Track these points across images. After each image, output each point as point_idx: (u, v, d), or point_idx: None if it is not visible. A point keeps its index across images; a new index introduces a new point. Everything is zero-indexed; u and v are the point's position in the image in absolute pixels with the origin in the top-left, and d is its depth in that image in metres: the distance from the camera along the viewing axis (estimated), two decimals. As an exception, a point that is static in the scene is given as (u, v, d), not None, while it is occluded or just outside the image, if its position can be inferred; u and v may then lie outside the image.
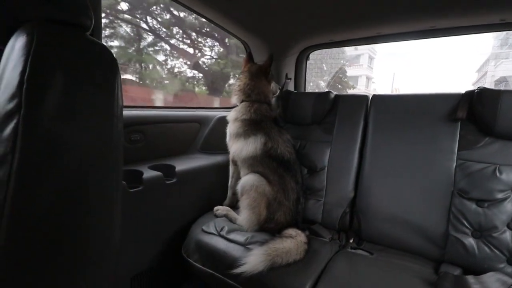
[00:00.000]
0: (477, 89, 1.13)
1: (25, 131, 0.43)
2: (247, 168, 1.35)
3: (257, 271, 0.94)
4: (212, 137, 1.64)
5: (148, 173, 1.20)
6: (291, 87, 1.95)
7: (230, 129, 1.43)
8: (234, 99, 1.49)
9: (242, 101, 1.44)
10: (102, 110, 0.55)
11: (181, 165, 1.38)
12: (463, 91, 1.19)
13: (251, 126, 1.36)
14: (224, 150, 1.60)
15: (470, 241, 1.04)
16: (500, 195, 1.01)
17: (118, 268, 1.06)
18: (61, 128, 0.47)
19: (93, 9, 0.61)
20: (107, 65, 0.56)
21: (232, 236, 1.15)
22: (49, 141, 0.46)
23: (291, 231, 1.14)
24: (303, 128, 1.53)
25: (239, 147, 1.36)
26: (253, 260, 0.95)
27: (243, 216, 1.24)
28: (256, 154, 1.32)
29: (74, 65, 0.51)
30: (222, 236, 1.16)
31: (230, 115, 1.46)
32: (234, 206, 1.38)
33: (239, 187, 1.31)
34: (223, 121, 1.61)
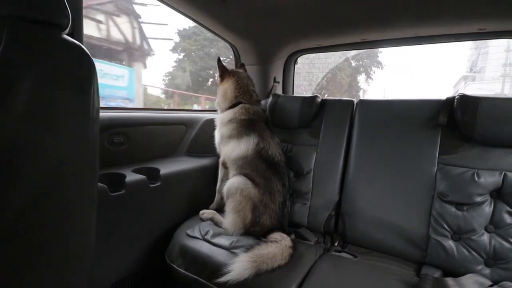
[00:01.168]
0: (457, 95, 1.16)
1: None
2: (236, 169, 1.34)
3: (242, 279, 0.93)
4: (198, 139, 1.63)
5: (131, 176, 1.18)
6: (279, 90, 1.96)
7: (222, 131, 1.41)
8: (226, 102, 1.45)
9: (238, 103, 1.43)
10: (77, 112, 0.53)
11: (166, 168, 1.36)
12: (444, 98, 1.23)
13: (245, 127, 1.36)
14: (210, 153, 1.59)
15: (449, 243, 1.06)
16: (478, 199, 1.04)
17: (98, 274, 1.04)
18: (30, 134, 0.46)
19: (72, 8, 0.59)
20: (83, 66, 0.54)
21: (216, 240, 1.14)
22: (17, 144, 0.44)
23: (276, 235, 1.14)
24: (290, 132, 1.53)
25: (231, 148, 1.35)
26: (239, 267, 0.94)
27: (228, 220, 1.23)
28: (247, 154, 1.31)
29: (47, 66, 0.49)
30: (207, 240, 1.15)
31: (223, 116, 1.43)
32: (221, 209, 1.36)
33: (224, 190, 1.30)
34: (210, 124, 1.60)
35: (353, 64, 11.52)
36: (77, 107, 0.53)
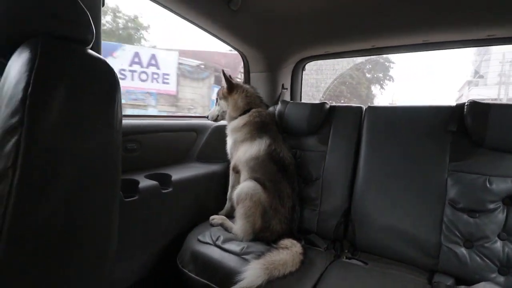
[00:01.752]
0: (467, 102, 1.16)
1: (27, 147, 0.44)
2: (247, 171, 1.36)
3: (255, 286, 0.93)
4: (209, 146, 1.66)
5: (144, 182, 1.20)
6: (287, 97, 1.98)
7: (236, 136, 1.46)
8: (238, 111, 1.50)
9: (250, 109, 1.48)
10: (102, 124, 0.56)
11: (178, 174, 1.39)
12: (453, 104, 1.23)
13: (258, 129, 1.41)
14: (220, 159, 1.62)
15: (462, 251, 1.05)
16: (490, 206, 1.03)
17: (113, 278, 1.06)
18: (62, 143, 0.48)
19: (93, 24, 0.63)
20: (108, 80, 0.57)
21: (227, 245, 1.15)
22: (50, 156, 0.47)
23: (287, 242, 1.15)
24: (299, 138, 1.55)
25: (243, 150, 1.39)
26: (251, 275, 0.95)
27: (238, 225, 1.25)
28: (259, 155, 1.34)
29: (76, 80, 0.52)
30: (218, 246, 1.16)
31: (236, 123, 1.48)
32: (231, 216, 1.38)
33: (234, 195, 1.32)
34: (220, 130, 1.63)
35: (368, 76, 13.33)
36: (102, 119, 0.55)
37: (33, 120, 0.44)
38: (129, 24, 9.12)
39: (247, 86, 1.57)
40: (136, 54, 7.39)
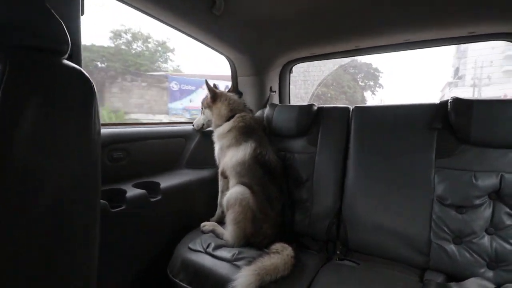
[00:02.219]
0: (450, 99, 1.18)
1: None
2: (235, 177, 1.35)
3: None
4: (198, 151, 1.64)
5: (132, 191, 1.18)
6: (275, 100, 1.98)
7: (222, 142, 1.46)
8: (223, 118, 1.51)
9: (234, 115, 1.49)
10: (79, 135, 0.54)
11: (167, 181, 1.37)
12: (437, 102, 1.25)
13: (243, 134, 1.41)
14: (210, 164, 1.60)
15: (451, 247, 1.06)
16: (477, 201, 1.04)
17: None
18: (36, 160, 0.47)
19: (72, 32, 0.61)
20: (84, 90, 0.56)
21: (218, 252, 1.14)
22: (22, 174, 0.45)
23: (278, 246, 1.14)
24: (288, 140, 1.55)
25: (230, 156, 1.39)
26: (242, 282, 0.93)
27: (229, 231, 1.24)
28: (245, 160, 1.34)
29: (49, 92, 0.50)
30: (209, 253, 1.14)
31: (221, 129, 1.48)
32: (223, 222, 1.36)
33: (224, 201, 1.31)
34: (209, 135, 1.62)
35: (361, 84, 16.40)
36: (78, 131, 0.54)
37: (3, 140, 0.43)
38: (159, 48, 12.33)
39: (230, 94, 1.59)
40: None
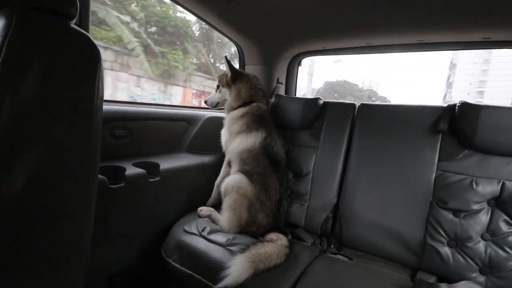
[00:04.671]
0: (458, 103, 1.17)
1: None
2: (238, 164, 1.35)
3: (241, 281, 0.92)
4: (200, 137, 1.63)
5: (131, 170, 1.18)
6: (281, 91, 1.96)
7: (232, 128, 1.43)
8: (239, 101, 1.46)
9: (251, 101, 1.45)
10: (82, 101, 0.54)
11: (166, 163, 1.37)
12: (445, 104, 1.23)
13: (256, 122, 1.39)
14: (211, 151, 1.60)
15: (445, 250, 1.06)
16: (475, 206, 1.04)
17: (93, 267, 1.04)
18: (34, 119, 0.46)
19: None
20: (89, 55, 0.55)
21: (213, 237, 1.15)
22: (23, 129, 0.45)
23: (273, 235, 1.15)
24: (291, 133, 1.54)
25: (238, 141, 1.37)
26: (237, 270, 0.93)
27: (224, 217, 1.24)
28: (253, 148, 1.33)
29: (54, 54, 0.50)
30: (203, 237, 1.15)
31: (234, 114, 1.44)
32: (219, 207, 1.37)
33: (222, 188, 1.31)
34: (212, 121, 1.61)
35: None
36: (82, 95, 0.53)
37: (5, 89, 0.42)
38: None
39: (251, 76, 1.53)
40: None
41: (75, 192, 0.56)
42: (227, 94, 1.50)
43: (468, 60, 20.58)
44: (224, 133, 1.49)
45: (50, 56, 0.49)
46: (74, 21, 0.58)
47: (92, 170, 0.60)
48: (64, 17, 0.55)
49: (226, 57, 1.49)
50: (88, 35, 0.56)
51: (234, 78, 1.48)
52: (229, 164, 1.44)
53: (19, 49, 0.45)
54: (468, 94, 20.75)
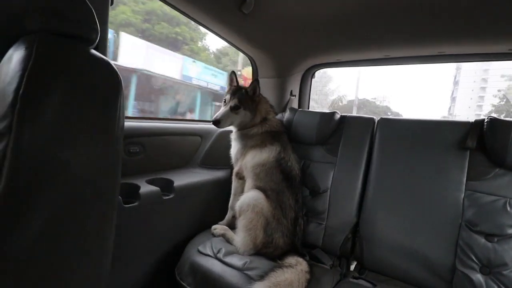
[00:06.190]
0: (487, 118, 1.10)
1: (14, 156, 0.39)
2: (252, 178, 1.31)
3: None
4: (213, 151, 1.61)
5: (145, 187, 1.16)
6: (294, 104, 1.93)
7: (246, 141, 1.39)
8: (258, 119, 1.41)
9: (266, 117, 1.43)
10: (103, 132, 0.51)
11: (180, 179, 1.34)
12: (472, 120, 1.17)
13: (271, 137, 1.37)
14: (224, 165, 1.56)
15: (478, 277, 0.99)
16: (510, 230, 0.97)
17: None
18: (57, 151, 0.44)
19: (99, 22, 0.58)
20: (110, 83, 0.53)
21: (229, 259, 1.10)
22: (41, 165, 0.42)
23: (291, 260, 1.09)
24: (307, 148, 1.49)
25: (251, 155, 1.34)
26: None
27: (239, 238, 1.19)
28: (267, 162, 1.31)
29: (74, 82, 0.47)
30: (219, 259, 1.10)
31: (253, 130, 1.39)
32: (233, 226, 1.32)
33: (237, 206, 1.27)
34: (225, 136, 1.58)
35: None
36: (102, 125, 0.51)
37: (23, 126, 0.40)
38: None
39: (263, 96, 1.49)
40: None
41: (95, 222, 0.54)
42: (247, 117, 1.38)
43: (468, 79, 25.34)
44: (234, 146, 1.45)
45: (71, 84, 0.47)
46: (94, 45, 0.56)
47: (112, 198, 0.57)
48: (85, 42, 0.53)
49: (257, 80, 1.39)
50: (109, 60, 0.54)
51: (258, 100, 1.42)
52: (238, 175, 1.41)
53: (39, 80, 0.42)
54: (469, 107, 24.81)
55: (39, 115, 0.41)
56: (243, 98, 1.36)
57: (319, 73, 1.95)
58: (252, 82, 1.39)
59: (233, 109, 1.35)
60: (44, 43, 0.45)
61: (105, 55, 0.77)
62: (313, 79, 1.96)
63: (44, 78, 0.43)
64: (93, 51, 0.54)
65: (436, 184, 1.14)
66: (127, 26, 7.84)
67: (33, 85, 0.41)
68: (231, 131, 1.50)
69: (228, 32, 1.42)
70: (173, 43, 8.76)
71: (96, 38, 0.56)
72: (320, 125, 1.45)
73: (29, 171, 0.41)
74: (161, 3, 1.13)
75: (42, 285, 0.46)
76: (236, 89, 1.39)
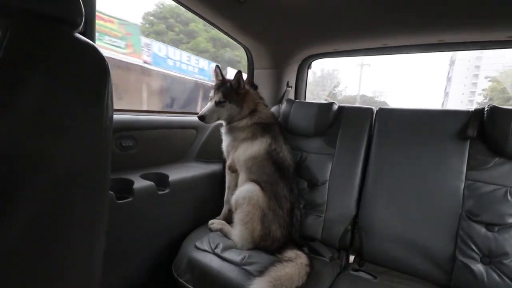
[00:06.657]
0: (487, 107, 1.09)
1: None
2: (245, 172, 1.29)
3: None
4: (209, 144, 1.57)
5: (139, 182, 1.12)
6: (291, 95, 1.89)
7: (237, 134, 1.36)
8: (247, 111, 1.37)
9: (255, 109, 1.39)
10: (90, 121, 0.47)
11: (175, 174, 1.30)
12: (472, 108, 1.15)
13: (261, 129, 1.34)
14: (221, 158, 1.53)
15: (478, 267, 0.98)
16: (511, 220, 0.96)
17: (101, 285, 0.98)
18: (38, 140, 0.40)
19: (85, 5, 0.54)
20: (97, 70, 0.48)
21: (227, 254, 1.07)
22: (21, 155, 0.38)
23: (291, 253, 1.07)
24: (305, 139, 1.47)
25: (243, 149, 1.32)
26: None
27: (237, 232, 1.17)
28: (258, 154, 1.28)
29: (57, 68, 0.43)
30: (217, 254, 1.08)
31: (241, 123, 1.36)
32: (230, 221, 1.30)
33: (233, 200, 1.25)
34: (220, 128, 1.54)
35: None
36: (89, 115, 0.47)
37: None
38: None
39: (250, 88, 1.45)
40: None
41: (84, 215, 0.50)
42: (234, 110, 1.35)
43: (461, 74, 27.06)
44: (225, 139, 1.42)
45: (52, 69, 0.42)
46: (79, 30, 0.51)
47: (102, 191, 0.53)
48: (68, 26, 0.49)
49: (240, 72, 1.35)
50: (95, 45, 0.49)
51: (244, 94, 1.38)
52: (231, 169, 1.38)
53: (13, 63, 0.38)
54: (461, 102, 26.31)
55: (16, 100, 0.37)
56: (227, 91, 1.33)
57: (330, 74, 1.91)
58: (235, 75, 1.35)
59: (218, 104, 1.33)
60: (20, 23, 0.41)
61: (93, 40, 0.72)
62: (321, 78, 1.92)
63: (20, 61, 0.39)
64: (78, 35, 0.49)
65: (435, 174, 1.12)
66: (204, 52, 10.72)
67: (7, 68, 0.37)
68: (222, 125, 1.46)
69: (223, 22, 1.37)
70: (234, 64, 11.46)
71: (81, 21, 0.51)
72: (318, 116, 1.42)
73: (8, 167, 0.38)
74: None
75: (30, 285, 0.43)
76: (220, 84, 1.36)
